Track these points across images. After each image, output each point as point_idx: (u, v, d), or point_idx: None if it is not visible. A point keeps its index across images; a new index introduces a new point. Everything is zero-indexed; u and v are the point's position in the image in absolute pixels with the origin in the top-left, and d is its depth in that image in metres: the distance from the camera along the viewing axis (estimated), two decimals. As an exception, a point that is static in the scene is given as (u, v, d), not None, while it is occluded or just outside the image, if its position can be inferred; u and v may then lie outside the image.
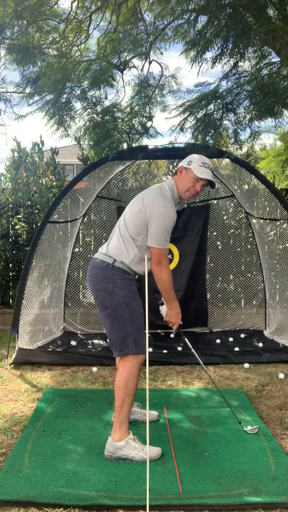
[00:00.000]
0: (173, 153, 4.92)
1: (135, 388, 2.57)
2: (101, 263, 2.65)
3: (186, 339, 2.98)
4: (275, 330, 5.23)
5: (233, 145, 5.45)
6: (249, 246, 5.85)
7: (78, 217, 5.53)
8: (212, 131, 3.94)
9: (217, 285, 5.94)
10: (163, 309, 2.86)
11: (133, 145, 4.73)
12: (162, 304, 2.85)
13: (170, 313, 2.79)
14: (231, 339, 5.17)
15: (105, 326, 2.68)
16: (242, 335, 5.31)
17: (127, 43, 4.78)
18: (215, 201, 5.79)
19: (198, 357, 3.01)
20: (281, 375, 3.97)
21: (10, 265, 6.37)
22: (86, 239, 5.92)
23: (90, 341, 5.06)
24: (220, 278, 5.93)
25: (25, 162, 6.62)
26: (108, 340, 2.75)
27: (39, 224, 5.28)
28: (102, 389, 3.72)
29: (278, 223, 5.45)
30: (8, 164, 6.65)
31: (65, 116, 4.74)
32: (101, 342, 5.02)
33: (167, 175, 6.42)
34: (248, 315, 5.77)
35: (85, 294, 5.81)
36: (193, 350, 2.98)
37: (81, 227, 5.75)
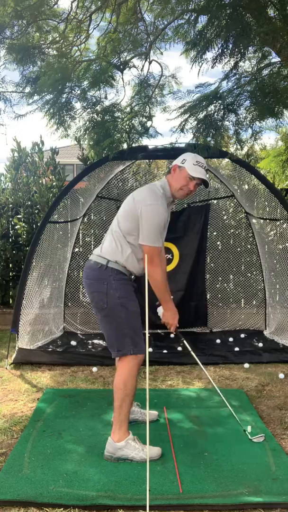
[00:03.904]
0: (173, 153, 4.89)
1: (134, 388, 2.57)
2: (94, 265, 2.64)
3: (185, 341, 2.97)
4: (275, 330, 5.23)
5: (234, 145, 5.45)
6: (249, 246, 5.84)
7: (78, 217, 5.53)
8: (213, 132, 3.94)
9: (217, 285, 5.94)
10: (160, 311, 2.84)
11: (133, 145, 4.72)
12: (159, 305, 2.83)
13: (166, 315, 2.78)
14: (231, 339, 5.17)
15: (102, 327, 2.67)
16: (242, 335, 5.31)
17: (127, 43, 4.76)
18: (215, 201, 5.78)
19: (198, 360, 3.00)
20: (281, 375, 3.98)
21: (10, 265, 6.36)
22: (86, 239, 5.92)
23: (90, 341, 5.06)
24: (220, 278, 5.93)
25: (25, 162, 6.61)
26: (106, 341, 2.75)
27: (39, 224, 5.28)
28: (102, 389, 3.72)
29: (278, 223, 5.45)
30: (8, 164, 6.64)
31: (65, 116, 4.73)
32: (101, 342, 5.02)
33: (167, 175, 6.42)
34: (248, 315, 5.77)
35: (85, 294, 5.79)
36: (192, 353, 2.97)
37: (81, 227, 5.75)
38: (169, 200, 2.70)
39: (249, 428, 2.86)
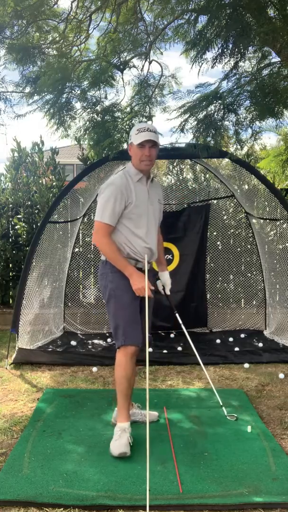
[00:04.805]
0: (173, 153, 4.91)
1: (123, 377, 2.68)
2: (101, 262, 2.84)
3: (177, 315, 3.18)
4: (275, 330, 5.23)
5: (234, 145, 5.45)
6: (249, 246, 5.84)
7: (78, 217, 5.53)
8: (213, 132, 3.94)
9: (217, 285, 5.93)
10: (159, 284, 3.04)
11: (133, 145, 4.72)
12: (158, 279, 3.00)
13: (133, 284, 2.63)
14: (231, 339, 5.17)
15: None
16: (242, 335, 5.31)
17: (127, 43, 4.76)
18: (215, 201, 5.78)
19: (189, 337, 3.20)
20: (281, 375, 3.98)
21: (10, 265, 6.36)
22: (86, 239, 5.92)
23: (90, 341, 5.06)
24: (220, 278, 5.92)
25: (25, 162, 6.61)
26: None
27: (39, 224, 5.28)
28: (102, 389, 3.72)
29: (278, 223, 5.44)
30: (8, 164, 6.64)
31: (65, 116, 4.73)
32: (101, 342, 5.02)
33: (167, 175, 6.42)
34: (248, 315, 5.77)
35: (85, 294, 5.81)
36: (183, 326, 3.21)
37: (81, 227, 5.75)
38: (136, 177, 2.75)
39: (249, 429, 2.87)
